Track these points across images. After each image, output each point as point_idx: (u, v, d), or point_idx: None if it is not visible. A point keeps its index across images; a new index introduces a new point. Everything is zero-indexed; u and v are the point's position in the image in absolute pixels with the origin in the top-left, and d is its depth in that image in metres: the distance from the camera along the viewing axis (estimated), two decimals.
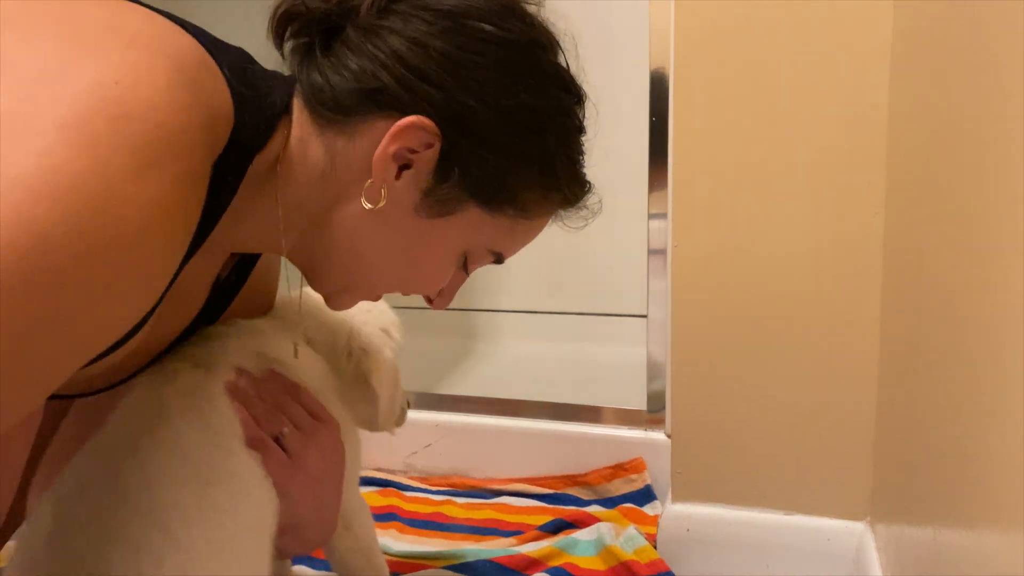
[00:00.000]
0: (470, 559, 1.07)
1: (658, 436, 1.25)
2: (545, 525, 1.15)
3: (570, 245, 1.89)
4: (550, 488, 1.27)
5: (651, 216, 1.20)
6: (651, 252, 1.21)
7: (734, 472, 1.05)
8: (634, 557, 1.03)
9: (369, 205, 0.58)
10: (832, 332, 0.98)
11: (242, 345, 0.70)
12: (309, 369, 0.74)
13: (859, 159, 0.94)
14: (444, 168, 0.58)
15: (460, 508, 1.25)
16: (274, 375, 0.70)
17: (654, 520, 1.14)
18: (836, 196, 0.96)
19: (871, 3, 0.91)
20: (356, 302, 0.69)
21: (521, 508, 1.23)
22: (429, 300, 0.70)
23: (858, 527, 1.01)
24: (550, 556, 1.06)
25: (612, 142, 1.83)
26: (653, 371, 1.24)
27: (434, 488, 1.31)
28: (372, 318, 0.83)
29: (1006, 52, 0.50)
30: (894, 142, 0.91)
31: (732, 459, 1.05)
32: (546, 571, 1.02)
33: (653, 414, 1.26)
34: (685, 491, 1.08)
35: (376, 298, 0.70)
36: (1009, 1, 0.49)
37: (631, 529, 1.09)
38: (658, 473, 1.24)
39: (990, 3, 0.54)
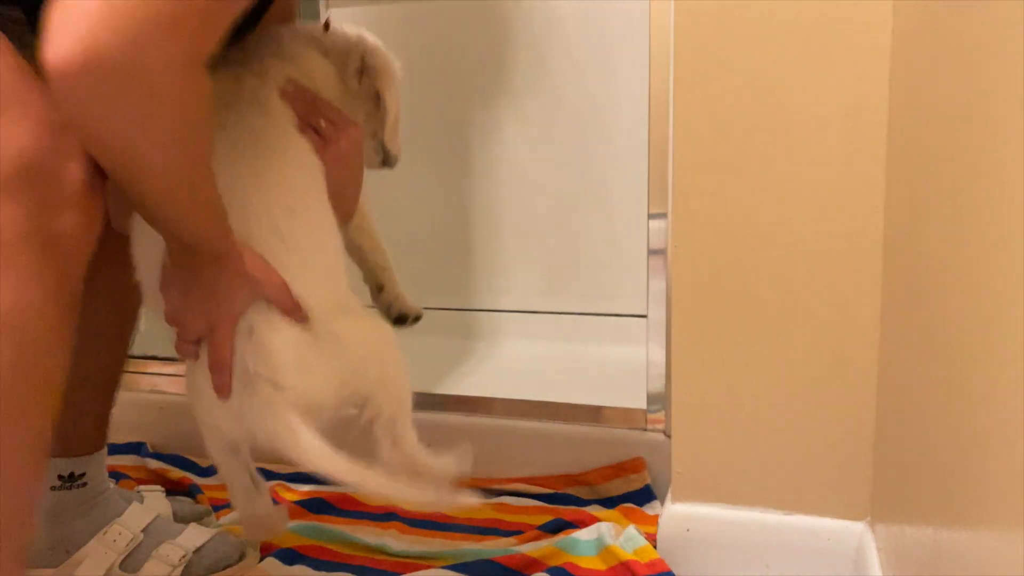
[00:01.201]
0: (470, 559, 1.07)
1: (658, 436, 1.25)
2: (545, 525, 1.15)
3: (570, 245, 1.89)
4: (550, 488, 1.27)
5: (651, 216, 1.20)
6: (651, 252, 1.21)
7: (734, 472, 1.05)
8: (634, 557, 1.03)
9: None
10: (832, 332, 0.99)
11: (281, 66, 0.88)
12: (327, 82, 0.92)
13: (859, 158, 0.94)
14: None
15: (460, 508, 1.25)
16: (306, 89, 0.88)
17: (654, 520, 1.14)
18: (836, 196, 0.96)
19: (871, 3, 0.91)
20: None
21: (521, 508, 1.23)
22: None
23: (858, 527, 1.01)
24: (550, 556, 1.06)
25: (612, 142, 1.84)
26: (653, 371, 1.24)
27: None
28: (384, 49, 0.99)
29: (1006, 52, 0.50)
30: (894, 142, 0.91)
31: (732, 459, 1.05)
32: (546, 571, 1.02)
33: (653, 414, 1.26)
34: (685, 491, 1.08)
35: None
36: (1009, 1, 0.49)
37: (631, 529, 1.09)
38: (658, 473, 1.24)
39: (990, 3, 0.54)
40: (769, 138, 0.97)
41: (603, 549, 1.06)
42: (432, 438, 1.32)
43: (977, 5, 0.57)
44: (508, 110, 1.86)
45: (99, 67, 0.57)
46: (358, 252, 1.03)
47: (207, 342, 0.78)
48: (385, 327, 0.87)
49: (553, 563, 1.05)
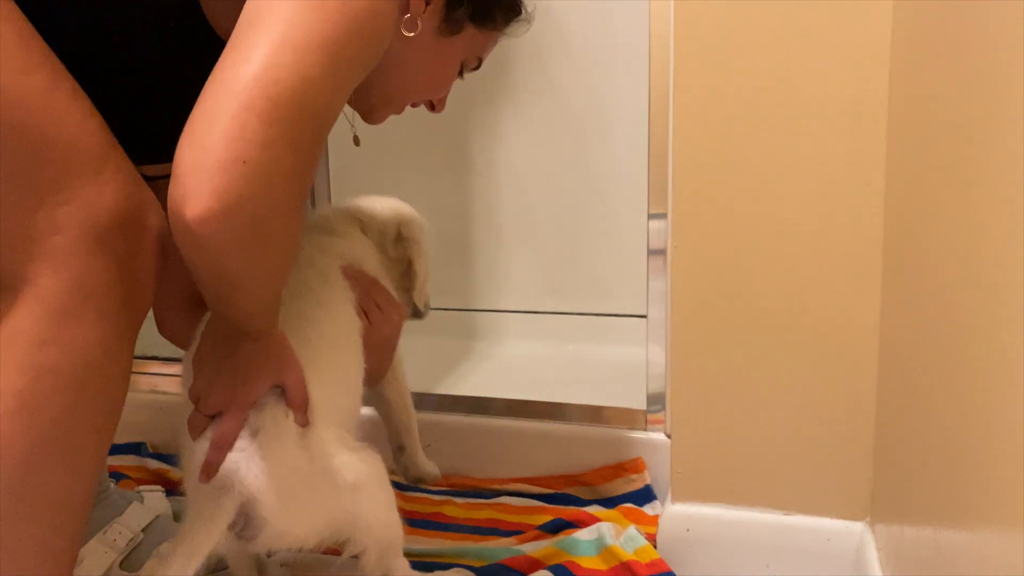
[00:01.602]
0: (472, 559, 1.07)
1: (658, 436, 1.25)
2: (545, 525, 1.15)
3: (570, 245, 1.89)
4: (550, 488, 1.27)
5: (651, 216, 1.20)
6: (651, 252, 1.21)
7: (734, 472, 1.05)
8: (635, 557, 1.03)
9: (409, 33, 0.80)
10: (832, 332, 0.99)
11: (332, 242, 0.99)
12: (368, 255, 1.02)
13: (859, 158, 0.95)
14: (454, 1, 0.84)
15: (460, 508, 1.25)
16: (363, 273, 0.98)
17: (654, 520, 1.14)
18: (836, 196, 0.96)
19: (871, 3, 0.91)
20: (389, 116, 0.93)
21: (521, 508, 1.23)
22: (433, 106, 0.98)
23: (858, 527, 1.01)
24: (551, 556, 1.06)
25: (612, 142, 1.84)
26: (653, 371, 1.24)
27: (434, 488, 1.31)
28: (419, 220, 1.12)
29: (1006, 52, 0.50)
30: (894, 141, 0.91)
31: (732, 459, 1.05)
32: (547, 569, 1.02)
33: (653, 414, 1.26)
34: (685, 491, 1.08)
35: (401, 111, 0.94)
36: (1009, 1, 0.49)
37: (631, 529, 1.09)
38: (658, 473, 1.23)
39: (990, 3, 0.54)
40: (769, 138, 0.97)
41: (604, 549, 1.06)
42: (432, 438, 1.32)
43: (977, 5, 0.57)
44: (508, 110, 1.86)
45: (237, 219, 0.62)
46: (386, 407, 1.09)
47: (218, 419, 0.78)
48: (380, 468, 0.85)
49: (554, 562, 1.05)
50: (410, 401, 1.10)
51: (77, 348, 0.67)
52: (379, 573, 0.86)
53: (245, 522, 0.76)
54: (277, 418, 0.78)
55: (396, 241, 1.08)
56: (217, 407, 0.78)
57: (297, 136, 0.63)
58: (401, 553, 0.88)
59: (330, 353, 0.87)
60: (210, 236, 0.61)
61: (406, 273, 1.10)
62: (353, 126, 0.99)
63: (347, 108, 0.91)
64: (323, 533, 0.80)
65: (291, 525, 0.78)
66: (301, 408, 0.79)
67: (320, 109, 0.66)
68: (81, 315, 0.67)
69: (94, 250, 0.68)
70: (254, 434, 0.77)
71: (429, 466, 1.14)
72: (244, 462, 0.76)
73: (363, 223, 1.06)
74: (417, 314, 1.14)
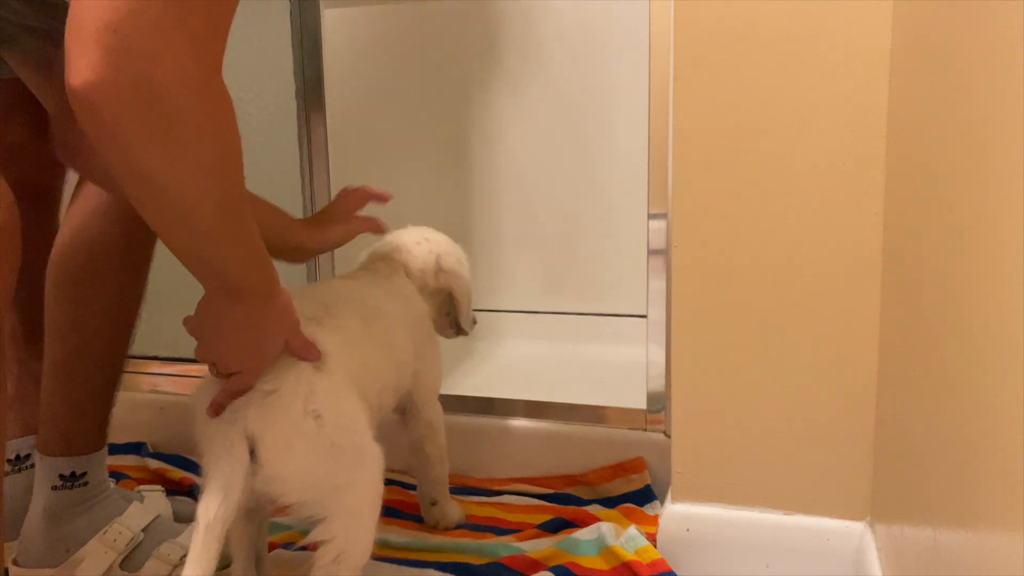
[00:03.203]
0: (471, 556, 1.07)
1: (658, 436, 1.25)
2: (545, 524, 1.15)
3: (570, 245, 1.90)
4: (550, 488, 1.28)
5: (651, 216, 1.20)
6: (651, 252, 1.21)
7: (734, 472, 1.05)
8: (636, 557, 1.03)
9: None
10: (832, 332, 0.99)
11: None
12: (410, 293, 1.12)
13: (859, 158, 0.95)
14: None
15: (462, 504, 1.25)
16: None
17: (654, 520, 1.14)
18: (836, 196, 0.96)
19: (871, 3, 0.91)
20: None
21: (521, 507, 1.23)
22: None
23: (858, 527, 1.01)
24: (552, 557, 1.06)
25: (612, 142, 1.84)
26: (653, 371, 1.24)
27: None
28: (453, 249, 1.20)
29: (1006, 52, 0.50)
30: (893, 142, 0.91)
31: (732, 459, 1.05)
32: (548, 570, 1.03)
33: (653, 414, 1.26)
34: (685, 491, 1.08)
35: None
36: (1009, 1, 0.49)
37: (632, 529, 1.09)
38: (658, 473, 1.24)
39: (990, 3, 0.54)
40: (769, 138, 0.97)
41: (604, 549, 1.06)
42: None
43: (977, 6, 0.57)
44: (509, 111, 1.86)
45: (116, 88, 0.57)
46: (423, 460, 1.16)
47: (239, 374, 0.79)
48: (375, 468, 0.86)
49: (555, 563, 1.05)
50: (446, 456, 1.17)
51: None
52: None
53: (251, 457, 0.78)
54: (293, 378, 0.81)
55: (436, 273, 1.17)
56: (238, 368, 0.79)
57: None
58: (359, 570, 0.85)
59: (377, 331, 0.96)
60: (97, 112, 0.58)
61: (448, 299, 1.19)
62: None
63: None
64: (307, 495, 0.81)
65: (283, 471, 0.79)
66: (306, 353, 0.81)
67: None
68: None
69: None
70: (267, 391, 0.79)
71: (457, 514, 1.19)
72: (252, 404, 0.79)
73: (407, 267, 1.14)
74: (461, 331, 1.23)
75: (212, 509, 0.75)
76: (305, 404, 0.80)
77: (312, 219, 1.11)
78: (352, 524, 0.84)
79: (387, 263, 1.14)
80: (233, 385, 0.79)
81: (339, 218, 1.10)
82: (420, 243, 1.18)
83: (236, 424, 0.78)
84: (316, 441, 0.80)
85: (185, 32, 0.58)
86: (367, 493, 0.85)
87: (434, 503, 1.18)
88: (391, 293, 1.07)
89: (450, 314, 1.21)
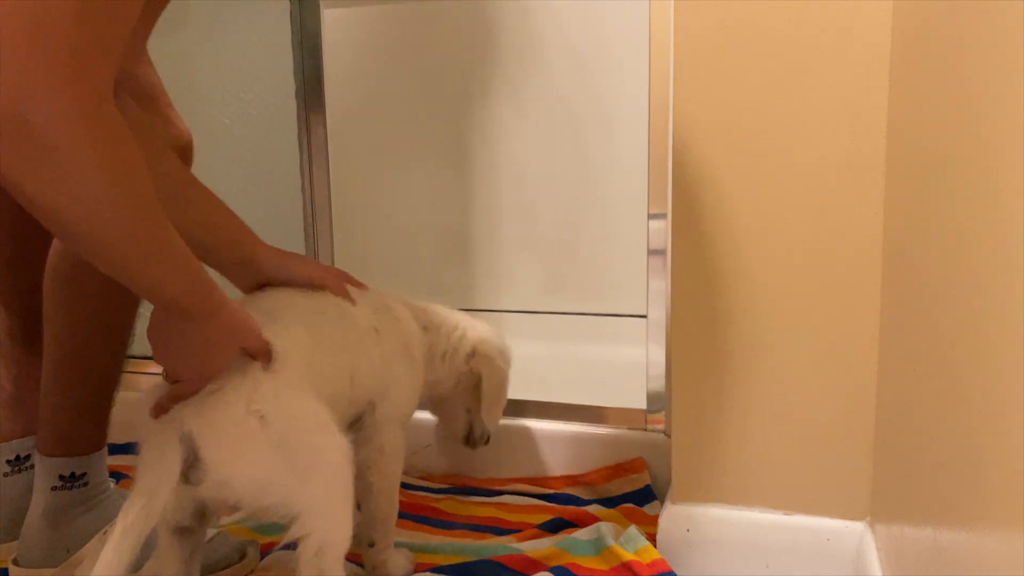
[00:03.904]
0: (471, 557, 1.07)
1: (658, 436, 1.25)
2: (544, 524, 1.15)
3: (570, 245, 1.90)
4: (550, 488, 1.28)
5: (651, 216, 1.20)
6: (651, 252, 1.21)
7: (734, 472, 1.05)
8: (636, 557, 1.03)
9: None
10: (832, 332, 0.99)
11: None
12: (413, 338, 1.04)
13: (859, 158, 0.95)
14: None
15: (462, 504, 1.25)
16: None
17: (654, 520, 1.14)
18: (836, 194, 0.96)
19: (871, 3, 0.91)
20: None
21: (521, 507, 1.23)
22: None
23: (858, 527, 1.01)
24: (551, 557, 1.06)
25: (612, 143, 1.84)
26: (653, 371, 1.24)
27: (436, 487, 1.31)
28: (493, 334, 1.14)
29: (1006, 52, 0.50)
30: (893, 142, 0.91)
31: (732, 459, 1.05)
32: (548, 570, 1.02)
33: (653, 414, 1.26)
34: (685, 491, 1.08)
35: None
36: (1009, 1, 0.49)
37: (632, 529, 1.09)
38: (658, 473, 1.24)
39: (990, 3, 0.54)
40: (769, 138, 0.97)
41: (604, 549, 1.07)
42: (433, 438, 1.32)
43: (977, 6, 0.57)
44: (508, 111, 1.86)
45: None
46: (366, 491, 0.99)
47: (185, 381, 0.79)
48: (341, 459, 0.82)
49: (555, 563, 1.05)
50: (396, 493, 1.02)
51: None
52: (313, 572, 0.81)
53: (192, 463, 0.76)
54: (238, 378, 0.79)
55: (470, 356, 1.12)
56: (187, 379, 0.78)
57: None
58: (342, 561, 0.83)
59: (323, 335, 0.90)
60: None
61: (471, 390, 1.13)
62: None
63: None
64: (264, 499, 0.79)
65: (229, 475, 0.77)
66: (263, 357, 0.80)
67: None
68: None
69: None
70: (209, 390, 0.78)
71: (401, 568, 1.04)
72: (192, 404, 0.77)
73: (420, 319, 1.07)
74: (471, 440, 1.17)
75: (131, 512, 0.72)
76: (248, 404, 0.77)
77: (278, 249, 1.01)
78: (325, 517, 0.82)
79: (397, 302, 1.06)
80: (178, 389, 0.78)
81: (311, 262, 1.03)
82: (460, 323, 1.13)
83: (172, 423, 0.76)
84: (261, 442, 0.77)
85: (54, 68, 0.57)
86: (333, 487, 0.82)
87: (371, 544, 1.02)
88: (366, 306, 0.99)
89: (470, 410, 1.15)
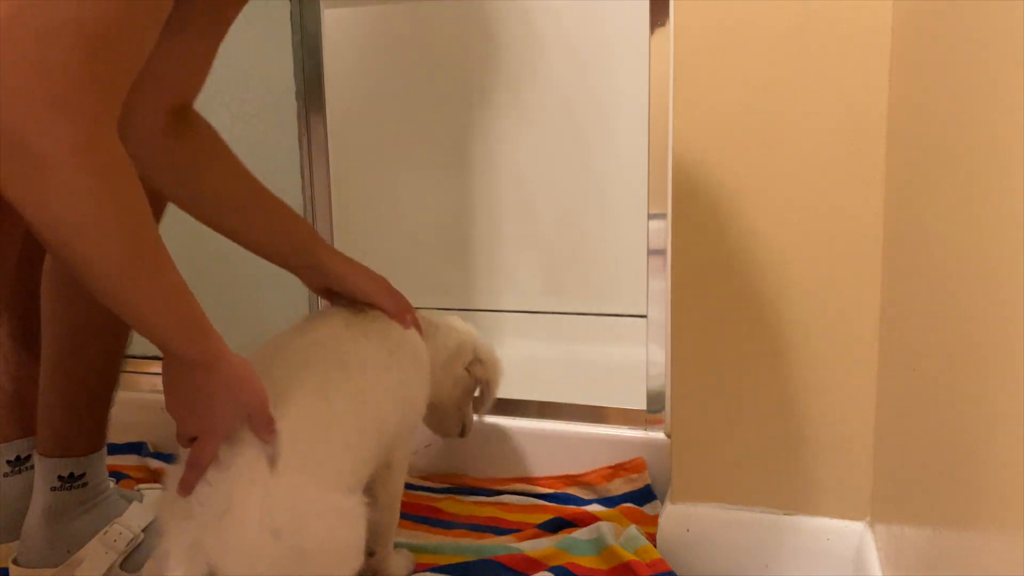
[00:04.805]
0: (470, 557, 1.07)
1: (658, 436, 1.25)
2: (544, 523, 1.15)
3: (570, 245, 1.90)
4: (550, 488, 1.28)
5: (651, 216, 1.20)
6: (651, 252, 1.21)
7: (734, 472, 1.05)
8: (636, 557, 1.03)
9: None
10: (832, 332, 0.99)
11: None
12: (418, 354, 1.03)
13: (859, 159, 0.95)
14: None
15: (462, 504, 1.25)
16: None
17: (654, 520, 1.14)
18: (836, 194, 0.96)
19: (871, 3, 0.91)
20: None
21: (521, 507, 1.23)
22: None
23: (858, 527, 1.01)
24: (551, 557, 1.06)
25: (612, 143, 1.84)
26: (653, 371, 1.24)
27: (436, 487, 1.31)
28: (479, 336, 1.18)
29: (1006, 52, 0.50)
30: (893, 142, 0.91)
31: (732, 459, 1.05)
32: (548, 570, 1.02)
33: (653, 414, 1.26)
34: (685, 491, 1.08)
35: None
36: (1009, 1, 0.49)
37: (632, 529, 1.09)
38: (658, 473, 1.24)
39: (990, 3, 0.54)
40: (769, 138, 0.97)
41: (604, 549, 1.06)
42: (432, 438, 1.32)
43: (977, 5, 0.57)
44: (508, 111, 1.86)
45: None
46: (371, 505, 0.96)
47: (196, 442, 0.77)
48: (361, 534, 0.83)
49: (555, 563, 1.05)
50: (399, 505, 1.04)
51: None
52: None
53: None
54: (244, 489, 0.76)
55: (472, 363, 1.16)
56: (191, 432, 0.77)
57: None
58: None
59: (342, 395, 0.88)
60: None
61: (468, 393, 1.18)
62: None
63: None
64: None
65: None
66: (268, 429, 0.78)
67: None
68: None
69: None
70: (220, 511, 0.75)
71: (401, 568, 1.06)
72: (208, 530, 0.75)
73: (425, 327, 1.06)
74: (464, 433, 1.23)
75: None
76: (260, 519, 0.76)
77: (344, 257, 1.04)
78: None
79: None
80: (195, 458, 0.76)
81: (374, 279, 1.04)
82: (453, 329, 1.15)
83: (191, 550, 0.74)
84: (277, 556, 0.76)
85: (57, 94, 0.58)
86: (347, 568, 0.83)
87: (371, 554, 1.01)
88: (368, 335, 0.97)
89: (460, 408, 1.19)
